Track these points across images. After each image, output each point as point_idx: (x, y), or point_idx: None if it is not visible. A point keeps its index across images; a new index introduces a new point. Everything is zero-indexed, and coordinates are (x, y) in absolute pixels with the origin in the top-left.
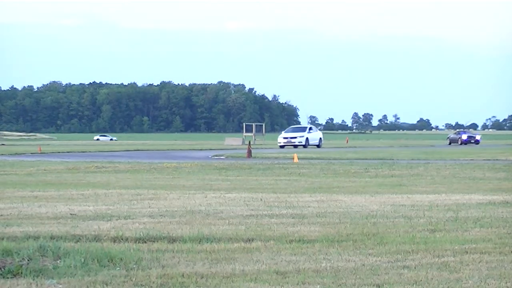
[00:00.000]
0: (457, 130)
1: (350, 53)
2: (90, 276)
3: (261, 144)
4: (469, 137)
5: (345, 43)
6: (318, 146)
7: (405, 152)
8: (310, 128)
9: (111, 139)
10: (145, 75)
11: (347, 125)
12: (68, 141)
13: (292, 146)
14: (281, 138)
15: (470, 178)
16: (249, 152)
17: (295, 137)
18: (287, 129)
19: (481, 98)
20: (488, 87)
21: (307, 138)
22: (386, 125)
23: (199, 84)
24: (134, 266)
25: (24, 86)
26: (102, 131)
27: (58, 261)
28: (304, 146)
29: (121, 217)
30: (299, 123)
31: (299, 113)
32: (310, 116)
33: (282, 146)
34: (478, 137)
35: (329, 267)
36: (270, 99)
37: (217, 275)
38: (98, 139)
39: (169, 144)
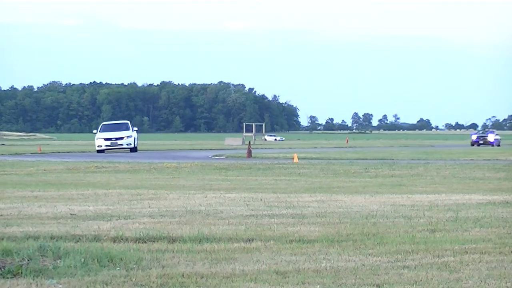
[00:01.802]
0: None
1: (350, 53)
2: (90, 276)
3: (261, 144)
4: (479, 137)
5: (345, 43)
6: (134, 148)
7: (405, 152)
8: (129, 126)
9: (275, 139)
10: (145, 75)
11: (347, 125)
12: (69, 141)
13: (110, 150)
14: (101, 140)
15: (470, 178)
16: (249, 152)
17: (121, 138)
18: (102, 126)
19: (481, 98)
20: (488, 87)
21: (135, 139)
22: (386, 125)
23: (199, 84)
24: (134, 266)
25: (24, 86)
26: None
27: (58, 261)
28: (133, 149)
29: (121, 217)
30: (299, 123)
31: (299, 113)
32: (310, 116)
33: (101, 151)
34: (491, 137)
35: (329, 267)
36: (270, 99)
37: (217, 275)
38: (265, 139)
39: (169, 144)
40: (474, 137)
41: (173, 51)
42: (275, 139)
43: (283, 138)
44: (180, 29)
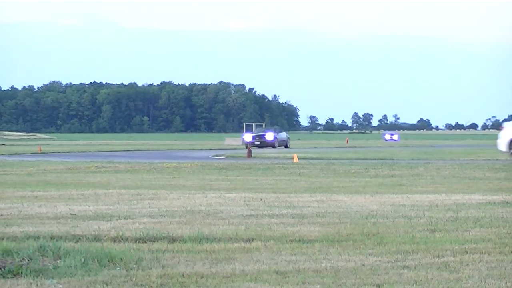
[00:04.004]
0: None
1: (350, 53)
2: (90, 276)
3: None
4: (255, 137)
5: (345, 43)
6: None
7: (405, 152)
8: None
9: (390, 139)
10: (145, 75)
11: (347, 125)
12: (69, 141)
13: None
14: None
15: (470, 178)
16: (249, 152)
17: None
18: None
19: (481, 98)
20: (488, 87)
21: None
22: (386, 125)
23: (199, 84)
24: (134, 266)
25: (24, 86)
26: (102, 131)
27: (58, 261)
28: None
29: (121, 217)
30: (299, 123)
31: (299, 113)
32: (310, 116)
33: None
34: (269, 136)
35: (329, 267)
36: (270, 99)
37: (217, 275)
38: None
39: (169, 144)
40: (248, 138)
41: (173, 51)
42: (390, 139)
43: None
44: (180, 29)
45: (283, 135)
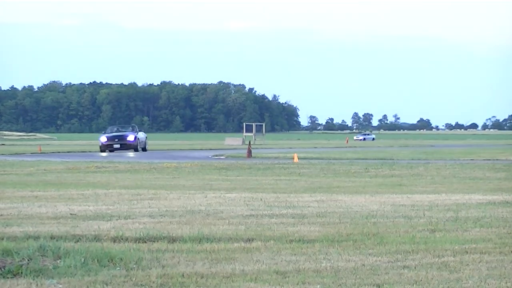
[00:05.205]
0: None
1: (350, 53)
2: (90, 276)
3: (261, 144)
4: (111, 137)
5: (345, 43)
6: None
7: (405, 152)
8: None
9: (364, 138)
10: (145, 75)
11: (347, 125)
12: (69, 141)
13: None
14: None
15: (470, 178)
16: (249, 152)
17: None
18: None
19: (481, 98)
20: (488, 87)
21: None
22: (386, 125)
23: (199, 84)
24: (134, 266)
25: (24, 86)
26: (102, 131)
27: (58, 261)
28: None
29: (121, 217)
30: (299, 123)
31: (299, 113)
32: (310, 116)
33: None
34: (131, 137)
35: (329, 267)
36: (270, 99)
37: (217, 275)
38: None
39: (169, 144)
40: (104, 139)
41: (173, 51)
42: (364, 139)
43: (373, 137)
44: (180, 29)
45: (142, 135)
